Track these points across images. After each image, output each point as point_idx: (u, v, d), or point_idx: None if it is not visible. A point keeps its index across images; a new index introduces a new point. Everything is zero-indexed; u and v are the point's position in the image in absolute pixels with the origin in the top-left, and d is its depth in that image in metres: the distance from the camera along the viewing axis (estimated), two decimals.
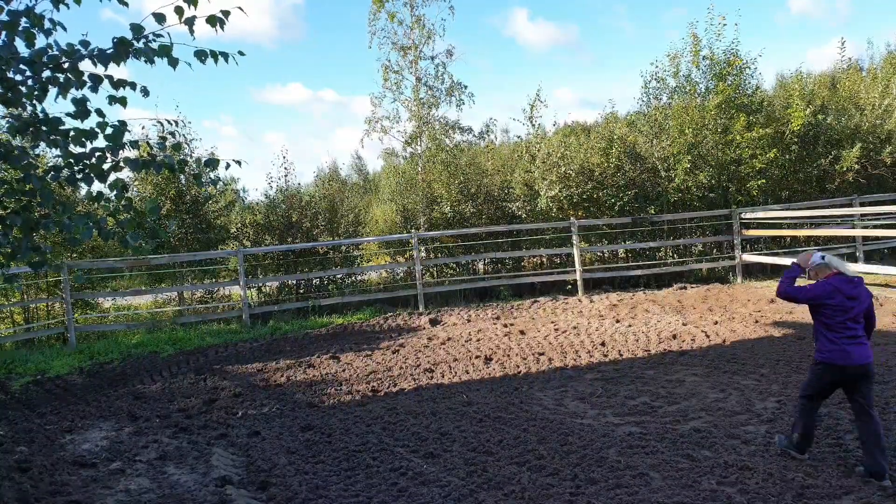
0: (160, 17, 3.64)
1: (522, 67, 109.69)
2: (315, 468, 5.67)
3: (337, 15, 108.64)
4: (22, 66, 3.59)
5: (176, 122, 4.26)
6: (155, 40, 3.73)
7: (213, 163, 4.32)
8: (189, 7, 3.65)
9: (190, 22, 3.69)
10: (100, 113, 3.89)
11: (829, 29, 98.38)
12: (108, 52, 3.69)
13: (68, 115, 3.89)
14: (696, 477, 4.89)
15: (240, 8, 3.77)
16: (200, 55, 3.82)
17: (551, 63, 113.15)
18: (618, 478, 4.96)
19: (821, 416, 5.82)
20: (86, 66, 3.78)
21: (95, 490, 5.37)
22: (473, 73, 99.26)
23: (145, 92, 3.93)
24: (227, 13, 3.79)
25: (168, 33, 3.75)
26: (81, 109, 3.81)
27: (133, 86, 3.89)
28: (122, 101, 3.91)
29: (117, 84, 3.83)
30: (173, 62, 3.76)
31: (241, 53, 3.88)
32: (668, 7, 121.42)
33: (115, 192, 4.26)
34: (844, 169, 15.76)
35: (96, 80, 3.79)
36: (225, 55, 3.86)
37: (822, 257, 5.06)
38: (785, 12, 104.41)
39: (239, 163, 4.39)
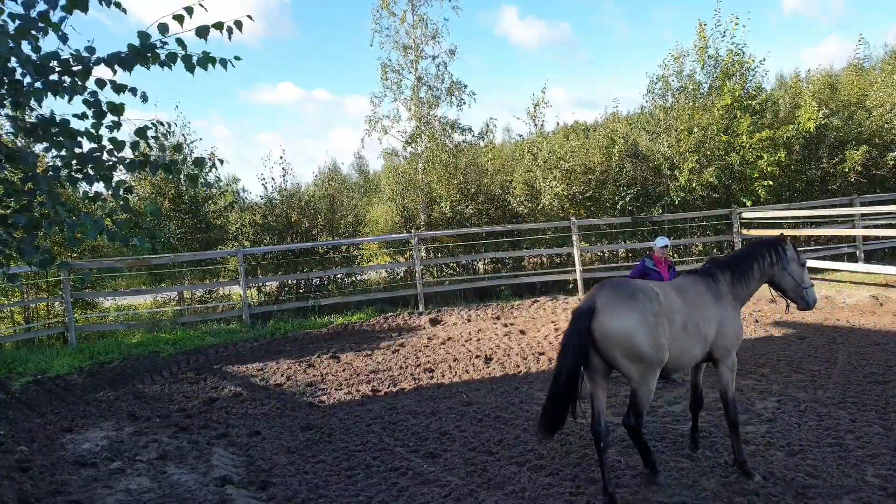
0: (163, 28, 3.75)
1: (515, 66, 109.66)
2: (315, 468, 5.67)
3: (326, 14, 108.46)
4: (32, 69, 3.63)
5: (169, 125, 4.32)
6: (163, 47, 3.81)
7: (200, 162, 4.52)
8: (189, 16, 3.74)
9: (202, 32, 3.79)
10: (112, 108, 3.93)
11: (822, 29, 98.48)
12: (123, 55, 3.75)
13: (74, 116, 3.96)
14: (696, 477, 4.89)
15: (249, 17, 3.88)
16: (204, 62, 3.89)
17: (544, 62, 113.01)
18: (618, 478, 4.95)
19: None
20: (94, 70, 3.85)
21: (96, 490, 5.37)
22: (466, 72, 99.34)
23: (144, 98, 4.01)
24: (239, 23, 3.87)
25: (181, 40, 3.86)
26: (97, 111, 3.89)
27: (134, 91, 3.96)
28: (120, 109, 3.95)
29: (119, 88, 3.89)
30: (191, 67, 3.88)
31: (237, 58, 3.99)
32: (660, 6, 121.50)
33: (113, 192, 4.28)
34: (847, 170, 15.77)
35: (101, 84, 3.86)
36: (224, 61, 3.95)
37: (663, 245, 8.09)
38: (777, 12, 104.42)
39: (221, 161, 4.73)
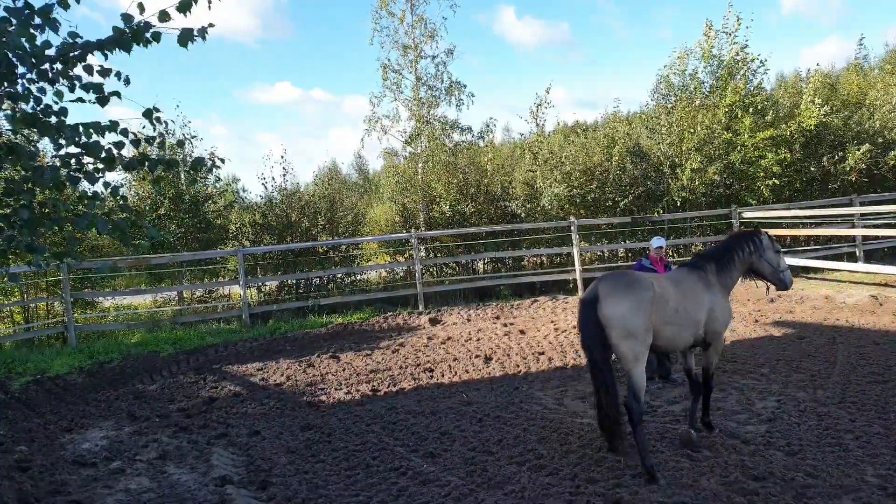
0: (141, 7, 3.90)
1: (514, 66, 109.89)
2: (315, 468, 5.67)
3: (323, 14, 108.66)
4: (30, 59, 3.70)
5: (166, 123, 4.36)
6: (148, 29, 3.92)
7: (199, 162, 4.59)
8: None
9: (184, 7, 3.92)
10: (93, 88, 3.98)
11: (822, 29, 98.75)
12: (113, 38, 3.87)
13: (71, 101, 4.03)
14: (696, 477, 4.89)
15: None
16: (185, 39, 4.00)
17: (544, 62, 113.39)
18: (617, 478, 4.96)
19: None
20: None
21: (95, 489, 5.37)
22: (465, 72, 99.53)
23: (127, 81, 4.07)
24: None
25: (166, 12, 3.94)
26: (100, 96, 3.98)
27: (119, 75, 4.05)
28: (99, 89, 4.01)
29: (104, 72, 3.99)
30: (183, 41, 3.97)
31: (211, 25, 4.10)
32: (659, 5, 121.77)
33: (112, 190, 4.31)
34: (849, 168, 15.76)
35: (89, 70, 3.96)
36: (202, 30, 4.05)
37: (659, 245, 7.92)
38: (776, 12, 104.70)
39: (222, 160, 4.85)
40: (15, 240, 3.95)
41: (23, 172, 4.08)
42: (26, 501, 4.98)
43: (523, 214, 15.90)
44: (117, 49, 3.88)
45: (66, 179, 4.06)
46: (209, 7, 3.99)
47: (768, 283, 6.15)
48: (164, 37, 3.99)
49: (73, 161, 4.04)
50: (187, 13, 3.90)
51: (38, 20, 3.75)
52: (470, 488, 4.97)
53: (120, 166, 4.14)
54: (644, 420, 6.31)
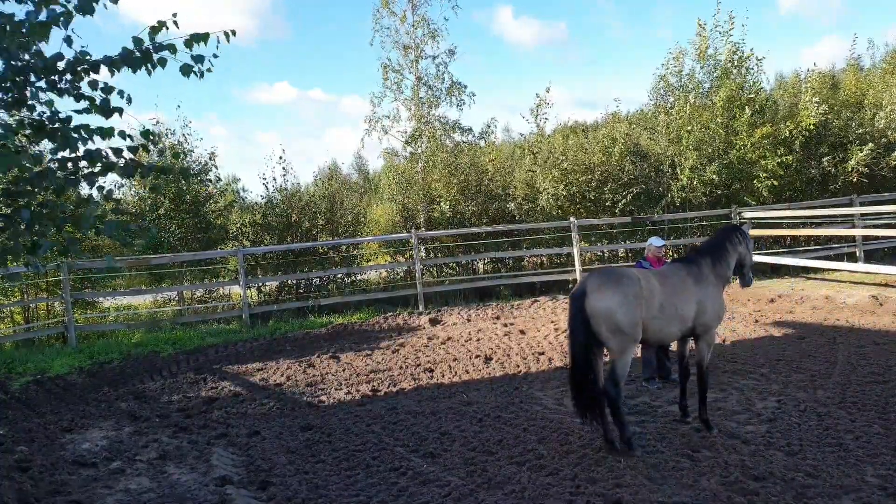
0: (154, 30, 4.01)
1: (513, 66, 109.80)
2: (315, 468, 5.67)
3: (321, 14, 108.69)
4: (41, 62, 3.77)
5: (155, 133, 4.43)
6: (158, 52, 4.04)
7: (185, 172, 4.78)
8: (166, 29, 4.01)
9: (190, 44, 4.01)
10: (114, 111, 4.11)
11: (822, 28, 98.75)
12: (123, 56, 3.95)
13: (75, 112, 4.06)
14: (696, 477, 4.89)
15: (233, 32, 4.13)
16: (187, 71, 4.12)
17: (543, 62, 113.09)
18: (617, 478, 4.95)
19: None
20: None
21: (95, 489, 5.37)
22: (465, 72, 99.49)
23: (129, 100, 4.20)
24: (229, 34, 4.12)
25: (173, 45, 4.04)
26: (105, 108, 4.09)
27: (122, 93, 4.16)
28: (120, 112, 4.15)
29: (108, 90, 4.07)
30: (186, 71, 4.11)
31: (214, 56, 4.21)
32: (658, 5, 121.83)
33: (106, 194, 4.36)
34: (850, 169, 15.75)
35: (94, 86, 4.03)
36: (202, 66, 4.17)
37: (661, 244, 7.59)
38: (774, 11, 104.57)
39: (213, 155, 4.93)
40: (20, 235, 3.98)
41: (24, 175, 4.11)
42: (26, 501, 4.98)
43: (522, 216, 15.89)
44: (125, 67, 4.00)
45: (63, 181, 4.09)
46: (217, 48, 4.14)
47: (739, 277, 6.35)
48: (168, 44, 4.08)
49: (69, 164, 4.07)
50: (193, 47, 4.04)
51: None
52: (470, 488, 4.97)
53: (116, 171, 4.18)
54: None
